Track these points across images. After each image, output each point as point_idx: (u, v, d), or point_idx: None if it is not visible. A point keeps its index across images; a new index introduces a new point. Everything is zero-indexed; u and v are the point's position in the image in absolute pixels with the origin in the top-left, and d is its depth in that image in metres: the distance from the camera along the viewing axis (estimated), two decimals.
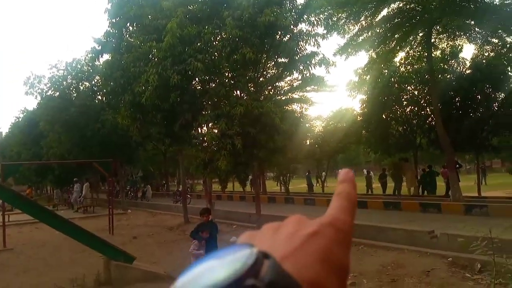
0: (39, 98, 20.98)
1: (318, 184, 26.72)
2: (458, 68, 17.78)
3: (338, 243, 0.32)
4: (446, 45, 17.45)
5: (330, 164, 28.08)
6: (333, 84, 25.98)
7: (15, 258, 9.80)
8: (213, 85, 12.12)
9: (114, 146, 19.35)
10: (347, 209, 0.35)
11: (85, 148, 19.20)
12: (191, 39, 11.12)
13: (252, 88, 12.20)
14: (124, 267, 6.77)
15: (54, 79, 20.10)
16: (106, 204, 15.81)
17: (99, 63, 16.75)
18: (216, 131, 11.04)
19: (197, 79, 12.03)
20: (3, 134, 50.72)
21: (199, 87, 12.67)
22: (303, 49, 11.50)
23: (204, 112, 12.26)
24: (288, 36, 11.43)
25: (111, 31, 14.07)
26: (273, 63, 13.89)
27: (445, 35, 16.74)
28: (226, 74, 12.53)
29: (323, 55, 11.46)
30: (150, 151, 27.98)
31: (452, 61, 17.77)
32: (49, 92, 20.36)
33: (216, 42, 11.54)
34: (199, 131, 13.89)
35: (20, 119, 32.03)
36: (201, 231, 5.67)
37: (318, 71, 17.78)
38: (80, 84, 20.67)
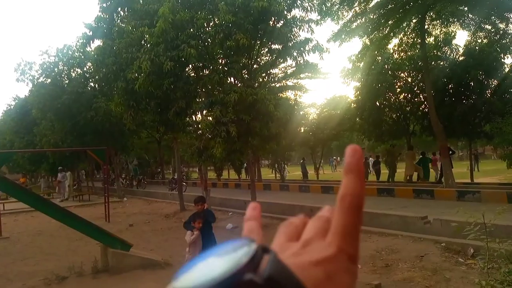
0: (30, 85, 20.67)
1: (323, 171, 26.68)
2: (452, 55, 17.82)
3: (348, 273, 0.29)
4: (440, 32, 17.46)
5: (324, 151, 28.21)
6: (327, 71, 26.03)
7: (12, 246, 9.80)
8: (207, 72, 12.02)
9: (108, 134, 19.22)
10: (353, 231, 0.31)
11: (79, 136, 19.07)
12: (184, 24, 10.98)
13: (246, 75, 12.13)
14: (121, 255, 6.82)
15: (45, 66, 19.77)
16: (102, 192, 15.80)
17: (90, 49, 16.56)
18: (210, 118, 11.01)
19: (190, 65, 11.92)
20: None
21: (193, 74, 12.56)
22: (296, 35, 11.41)
23: (198, 99, 12.20)
24: (282, 22, 11.32)
25: (102, 16, 13.86)
26: (266, 49, 13.79)
27: (438, 21, 16.74)
28: (220, 60, 12.43)
29: (317, 41, 11.41)
30: (145, 139, 27.88)
31: (446, 48, 17.80)
32: (41, 79, 20.04)
33: (209, 28, 11.41)
34: (194, 118, 13.84)
35: (12, 107, 31.62)
36: (193, 221, 5.53)
37: (312, 57, 17.75)
38: (72, 70, 20.37)
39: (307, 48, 11.41)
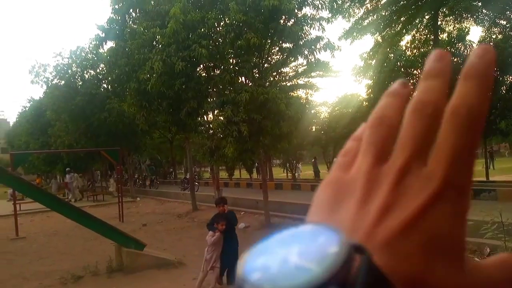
0: (45, 87, 21.04)
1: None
2: (465, 51, 17.53)
3: (456, 214, 0.22)
4: (453, 28, 17.19)
5: (336, 150, 28.04)
6: (338, 69, 25.76)
7: (28, 246, 9.98)
8: (218, 71, 12.06)
9: (121, 135, 19.45)
10: (469, 158, 0.23)
11: (92, 137, 19.33)
12: (195, 24, 11.03)
13: (257, 74, 12.12)
14: (135, 254, 6.89)
15: (59, 68, 20.09)
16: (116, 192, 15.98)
17: (103, 51, 16.75)
18: (221, 118, 11.04)
19: (201, 65, 11.98)
20: (11, 123, 51.18)
21: (204, 74, 12.62)
22: (307, 33, 11.36)
23: (209, 99, 12.24)
24: (293, 20, 11.29)
25: (114, 17, 14.01)
26: (277, 48, 13.75)
27: (451, 17, 16.49)
28: (231, 60, 12.45)
29: (328, 39, 11.35)
30: (157, 139, 28.11)
31: (459, 44, 17.51)
32: (55, 81, 20.37)
33: (220, 28, 11.44)
34: (205, 118, 13.90)
35: (27, 109, 32.22)
36: (216, 223, 5.44)
37: (323, 56, 17.65)
38: (85, 72, 20.66)
39: (318, 46, 11.35)
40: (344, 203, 0.24)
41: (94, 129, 19.15)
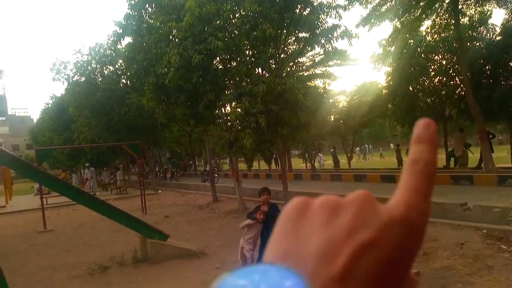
0: (66, 83, 21.51)
1: (361, 159, 25.95)
2: (488, 35, 16.97)
3: (407, 248, 0.25)
4: (474, 12, 16.63)
5: (356, 139, 27.73)
6: (356, 57, 25.39)
7: (56, 238, 10.33)
8: (234, 63, 12.07)
9: (141, 129, 19.78)
10: (425, 191, 0.27)
11: (113, 132, 19.73)
12: (210, 17, 11.04)
13: (274, 65, 12.07)
14: (159, 245, 7.05)
15: (79, 64, 20.47)
16: (137, 185, 16.30)
17: (121, 47, 16.97)
18: (239, 110, 11.07)
19: (218, 58, 12.00)
20: (34, 120, 52.65)
21: (221, 66, 12.65)
22: (324, 22, 11.20)
23: (226, 91, 12.27)
24: (309, 9, 11.15)
25: (131, 13, 14.12)
26: (293, 38, 13.62)
27: (472, 0, 15.93)
28: (247, 52, 12.43)
29: (345, 27, 11.17)
30: (176, 132, 28.44)
31: (481, 28, 16.96)
32: (75, 78, 20.81)
33: (235, 20, 11.41)
34: (223, 110, 13.96)
35: (49, 105, 33.02)
36: (256, 212, 5.41)
37: (340, 44, 17.40)
38: (104, 68, 21.00)
39: (335, 34, 11.20)
40: (305, 230, 0.26)
41: (115, 124, 19.53)
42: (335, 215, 0.26)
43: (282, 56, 12.70)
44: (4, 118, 64.54)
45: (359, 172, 17.87)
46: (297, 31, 12.11)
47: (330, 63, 20.35)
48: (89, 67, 20.50)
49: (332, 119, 23.74)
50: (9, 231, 11.68)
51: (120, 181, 22.75)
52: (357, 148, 37.71)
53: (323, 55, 17.90)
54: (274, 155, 22.44)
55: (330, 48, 11.48)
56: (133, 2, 13.66)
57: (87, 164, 22.70)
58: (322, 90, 18.94)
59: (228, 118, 12.79)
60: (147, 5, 13.67)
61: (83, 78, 20.42)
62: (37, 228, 11.62)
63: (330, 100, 21.91)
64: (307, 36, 11.98)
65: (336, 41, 11.28)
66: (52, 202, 15.96)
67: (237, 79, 11.73)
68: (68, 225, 12.24)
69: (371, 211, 0.26)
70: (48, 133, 31.11)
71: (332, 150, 25.20)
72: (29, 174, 5.83)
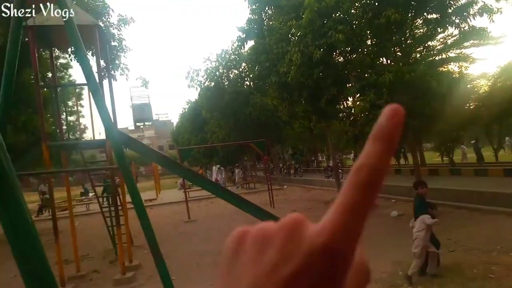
0: (198, 89, 23.90)
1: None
2: None
3: (331, 277, 0.23)
4: None
5: (502, 128, 24.04)
6: (499, 35, 21.96)
7: (198, 228, 11.61)
8: (355, 55, 11.72)
9: (264, 127, 20.78)
10: (360, 209, 0.23)
11: (240, 131, 21.19)
12: (330, 11, 10.93)
13: (399, 53, 11.33)
14: None
15: (208, 71, 22.54)
16: (264, 180, 17.16)
17: (244, 51, 18.08)
18: (362, 103, 10.73)
19: (337, 51, 11.82)
20: (174, 124, 59.78)
21: (341, 59, 12.43)
22: None
23: (348, 85, 12.00)
24: None
25: (252, 17, 14.93)
26: (421, 21, 12.56)
27: None
28: (368, 42, 11.93)
29: (484, 2, 9.79)
30: (297, 129, 29.01)
31: None
32: (206, 83, 22.96)
33: (355, 11, 11.06)
34: (345, 104, 13.70)
35: (186, 110, 37.18)
36: (430, 208, 5.34)
37: (478, 21, 15.30)
38: (230, 72, 22.68)
39: (471, 11, 9.94)
40: (238, 269, 0.26)
41: (241, 123, 20.95)
42: (262, 249, 0.25)
43: (408, 41, 11.82)
44: (150, 123, 75.29)
45: (510, 166, 15.34)
46: (425, 13, 11.13)
47: (466, 44, 18.08)
48: (217, 73, 22.38)
49: (472, 106, 21.03)
50: (161, 220, 13.53)
51: (239, 178, 24.47)
52: (507, 138, 32.61)
53: (457, 36, 16.05)
54: (403, 149, 21.00)
55: (466, 28, 10.24)
56: (254, 6, 14.41)
57: (218, 166, 24.94)
58: (458, 75, 16.99)
59: (352, 111, 12.50)
60: (267, 8, 14.26)
61: (212, 83, 22.40)
62: (183, 218, 13.25)
63: (468, 86, 19.48)
64: (437, 17, 10.90)
65: (474, 18, 10.00)
66: (193, 195, 17.93)
67: (359, 71, 11.37)
68: (208, 216, 13.61)
69: (296, 241, 0.24)
70: (186, 134, 35.06)
71: (474, 142, 22.34)
72: (176, 170, 6.66)
